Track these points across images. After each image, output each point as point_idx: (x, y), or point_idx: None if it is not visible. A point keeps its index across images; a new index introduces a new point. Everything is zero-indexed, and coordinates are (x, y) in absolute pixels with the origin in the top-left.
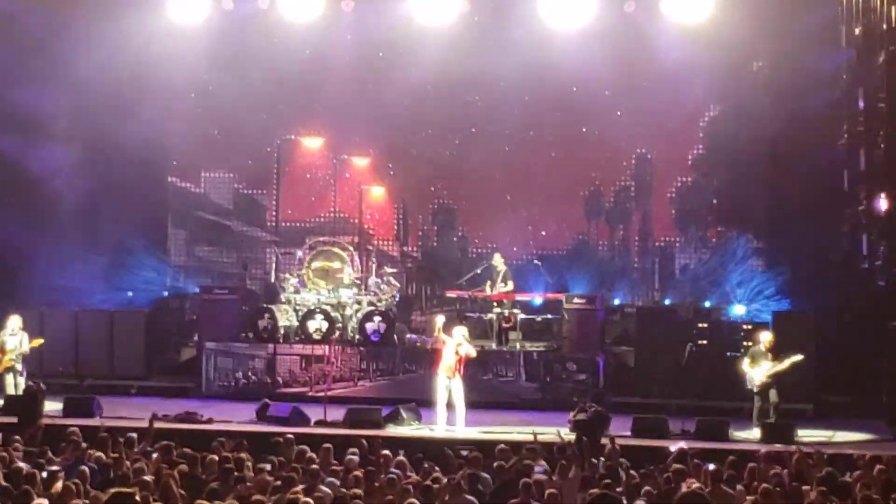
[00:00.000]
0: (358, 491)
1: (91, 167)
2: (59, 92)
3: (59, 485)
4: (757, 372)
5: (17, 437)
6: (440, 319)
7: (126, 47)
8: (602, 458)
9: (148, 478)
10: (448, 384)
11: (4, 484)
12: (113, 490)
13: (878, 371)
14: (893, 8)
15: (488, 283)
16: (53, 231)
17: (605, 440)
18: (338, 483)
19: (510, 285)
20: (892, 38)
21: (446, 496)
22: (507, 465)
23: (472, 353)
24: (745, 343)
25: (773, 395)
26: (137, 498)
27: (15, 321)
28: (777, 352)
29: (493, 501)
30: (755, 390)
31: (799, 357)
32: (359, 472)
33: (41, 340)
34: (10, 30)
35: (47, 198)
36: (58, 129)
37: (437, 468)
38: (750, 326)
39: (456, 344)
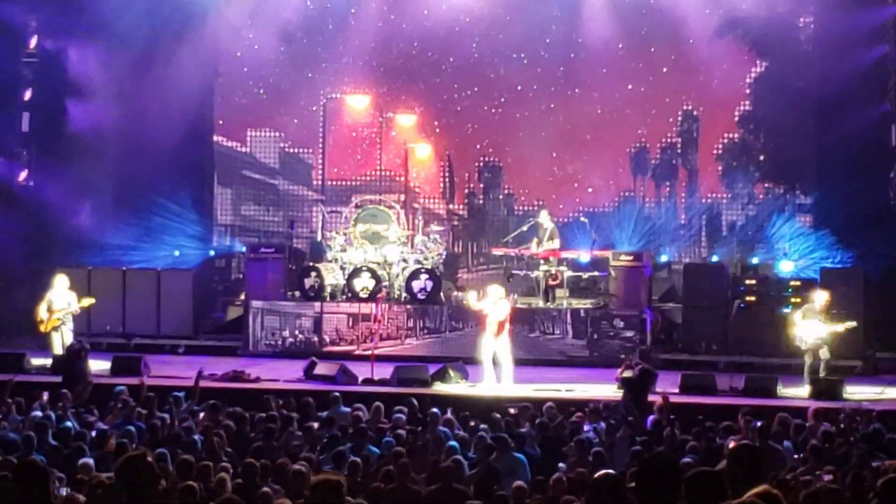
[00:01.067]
0: (401, 449)
1: (136, 126)
2: (102, 51)
3: (112, 442)
4: (809, 330)
5: (66, 395)
6: (494, 290)
7: (171, 7)
8: (651, 415)
9: (196, 437)
10: (493, 343)
11: (53, 443)
12: (126, 455)
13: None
14: None
15: (535, 240)
16: (98, 191)
17: (656, 397)
18: (392, 442)
19: (557, 242)
20: None
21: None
22: (552, 424)
23: (502, 314)
24: (793, 299)
25: (824, 352)
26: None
27: (63, 281)
28: (830, 312)
29: (541, 459)
30: (804, 347)
31: (853, 324)
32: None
33: (92, 300)
34: None
35: (91, 157)
36: (102, 88)
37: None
38: (798, 283)
39: (493, 304)
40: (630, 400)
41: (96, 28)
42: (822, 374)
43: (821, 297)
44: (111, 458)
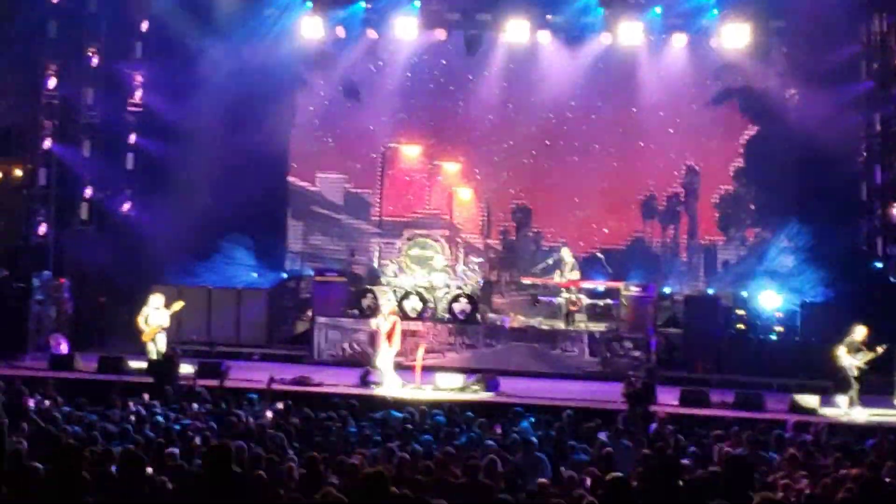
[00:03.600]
0: (449, 450)
1: (224, 167)
2: (197, 103)
3: (197, 440)
4: (854, 360)
5: (160, 395)
6: (385, 305)
7: (258, 67)
8: (653, 424)
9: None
10: (388, 351)
11: (150, 434)
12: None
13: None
14: None
15: (557, 272)
16: (191, 222)
17: (658, 409)
18: (431, 440)
19: (576, 274)
20: None
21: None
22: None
23: (386, 327)
24: (776, 328)
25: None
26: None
27: (158, 299)
28: (869, 344)
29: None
30: (853, 375)
31: (885, 347)
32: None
33: (182, 303)
34: (162, 54)
35: (186, 192)
36: (196, 134)
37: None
38: (781, 314)
39: (383, 320)
40: (632, 411)
41: (193, 84)
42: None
43: (860, 331)
44: (195, 449)
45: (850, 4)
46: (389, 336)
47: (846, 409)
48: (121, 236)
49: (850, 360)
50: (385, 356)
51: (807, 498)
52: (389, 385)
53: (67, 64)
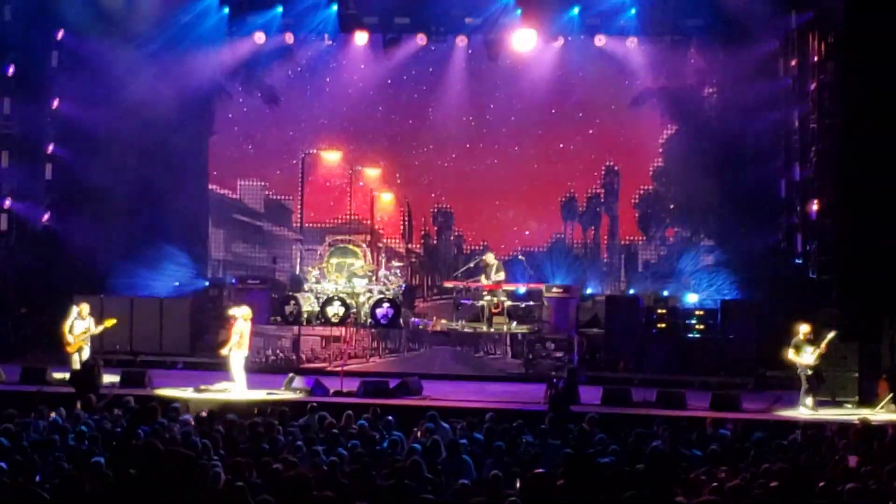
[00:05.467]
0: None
1: (142, 176)
2: (113, 114)
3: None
4: (804, 358)
5: (83, 404)
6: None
7: (176, 74)
8: (574, 425)
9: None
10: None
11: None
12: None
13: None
14: (823, 44)
15: (482, 276)
16: (111, 231)
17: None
18: (357, 444)
19: (503, 275)
20: (822, 69)
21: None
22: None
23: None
24: (697, 326)
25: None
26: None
27: (84, 308)
28: (815, 338)
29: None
30: (807, 374)
31: (833, 333)
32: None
33: (114, 320)
34: (79, 63)
35: (104, 202)
36: (113, 146)
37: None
38: (702, 312)
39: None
40: (556, 412)
41: (110, 93)
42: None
43: (804, 328)
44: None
45: (766, 1)
46: (241, 338)
47: (812, 409)
48: (40, 246)
49: (799, 359)
50: (238, 358)
51: (730, 491)
52: (239, 387)
53: None
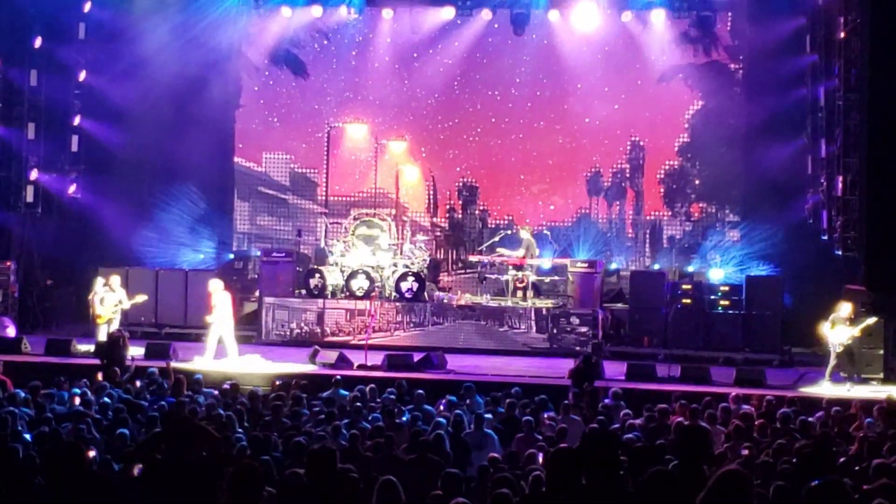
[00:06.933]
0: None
1: (169, 149)
2: (140, 85)
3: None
4: (839, 336)
5: (105, 375)
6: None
7: (202, 47)
8: (607, 399)
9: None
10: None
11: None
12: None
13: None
14: (849, 20)
15: (521, 249)
16: (136, 203)
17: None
18: (379, 418)
19: (537, 252)
20: (849, 46)
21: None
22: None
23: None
24: (722, 302)
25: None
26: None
27: (115, 280)
28: (854, 319)
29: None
30: (837, 351)
31: (873, 320)
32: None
33: (145, 297)
34: (106, 35)
35: (131, 174)
36: (140, 117)
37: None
38: (727, 288)
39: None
40: (579, 387)
41: (137, 65)
42: (856, 367)
43: (846, 307)
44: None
45: None
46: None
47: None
48: (67, 218)
49: (833, 335)
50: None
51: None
52: (232, 359)
53: (10, 46)
